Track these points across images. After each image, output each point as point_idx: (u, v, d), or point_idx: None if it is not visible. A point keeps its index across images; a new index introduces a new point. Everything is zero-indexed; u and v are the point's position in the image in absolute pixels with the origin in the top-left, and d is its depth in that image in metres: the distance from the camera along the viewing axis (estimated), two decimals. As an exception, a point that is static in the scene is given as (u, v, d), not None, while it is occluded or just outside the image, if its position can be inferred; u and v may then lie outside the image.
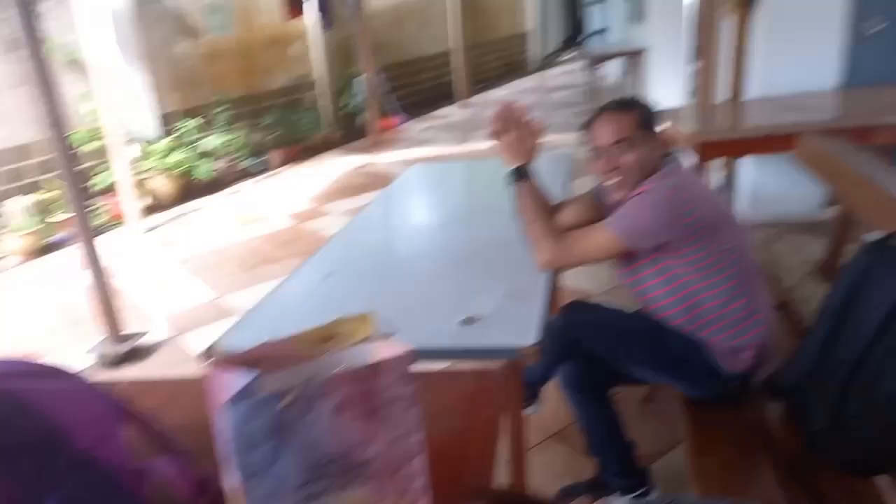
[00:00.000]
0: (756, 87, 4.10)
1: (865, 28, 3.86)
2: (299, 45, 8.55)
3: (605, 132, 1.72)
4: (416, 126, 9.60)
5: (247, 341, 1.52)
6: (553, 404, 2.34)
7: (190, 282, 4.52)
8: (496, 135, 1.85)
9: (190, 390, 1.12)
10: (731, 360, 1.73)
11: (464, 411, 1.10)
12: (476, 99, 11.29)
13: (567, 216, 1.97)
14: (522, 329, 1.41)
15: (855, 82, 3.95)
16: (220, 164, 7.24)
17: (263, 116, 7.96)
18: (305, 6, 7.85)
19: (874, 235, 2.29)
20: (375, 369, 0.78)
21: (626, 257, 1.76)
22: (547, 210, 1.88)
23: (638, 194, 1.68)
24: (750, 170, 4.28)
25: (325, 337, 0.90)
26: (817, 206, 4.22)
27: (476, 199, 2.69)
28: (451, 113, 10.39)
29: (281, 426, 0.74)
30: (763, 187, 4.27)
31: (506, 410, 1.11)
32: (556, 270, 1.85)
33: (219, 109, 7.26)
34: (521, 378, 1.52)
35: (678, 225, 1.62)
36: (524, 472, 1.64)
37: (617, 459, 1.96)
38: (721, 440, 1.69)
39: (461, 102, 10.71)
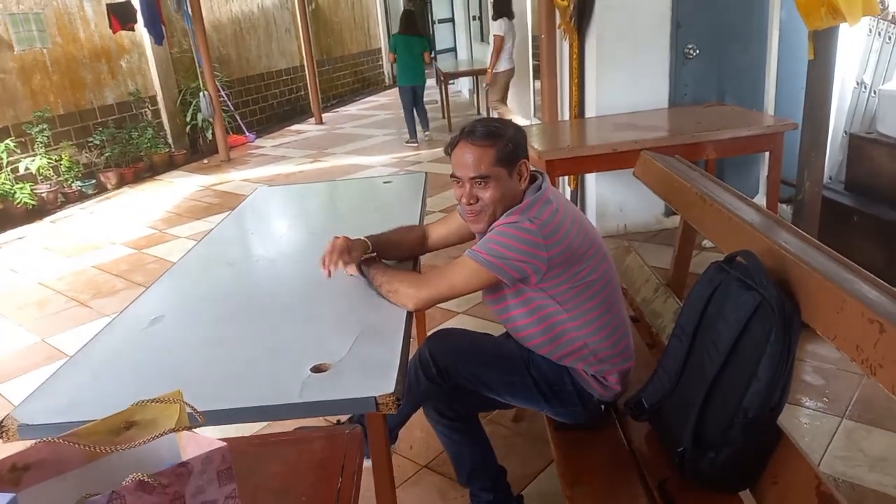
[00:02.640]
0: (593, 106, 4.29)
1: (687, 52, 4.18)
2: (133, 59, 7.91)
3: (464, 164, 1.62)
4: (268, 143, 9.24)
5: (49, 412, 1.29)
6: (426, 433, 2.25)
7: (8, 322, 3.96)
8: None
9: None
10: (598, 386, 1.71)
11: (311, 484, 0.96)
12: (330, 115, 11.10)
13: (438, 233, 1.99)
14: (381, 375, 1.28)
15: (678, 101, 4.26)
16: (45, 188, 6.51)
17: (95, 134, 7.26)
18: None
19: (711, 242, 2.39)
20: (184, 470, 0.63)
21: (493, 285, 1.70)
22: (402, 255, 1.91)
23: (502, 226, 1.59)
24: (593, 185, 4.47)
25: (123, 426, 0.73)
26: (659, 215, 4.49)
27: (327, 225, 2.53)
28: (305, 129, 10.12)
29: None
30: (607, 201, 4.47)
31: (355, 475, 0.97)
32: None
33: (39, 128, 6.52)
34: (384, 429, 1.39)
35: (542, 258, 1.56)
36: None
37: (489, 488, 1.90)
38: (592, 465, 1.66)
39: (315, 118, 10.46)
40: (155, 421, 0.70)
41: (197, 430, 0.86)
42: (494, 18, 7.05)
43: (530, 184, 1.68)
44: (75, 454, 0.68)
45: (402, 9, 7.97)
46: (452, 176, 1.67)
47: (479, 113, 9.66)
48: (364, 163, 7.36)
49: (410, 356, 1.64)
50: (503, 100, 7.42)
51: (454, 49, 13.33)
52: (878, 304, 1.18)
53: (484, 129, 1.63)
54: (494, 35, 7.01)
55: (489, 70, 7.25)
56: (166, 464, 0.65)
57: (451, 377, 1.74)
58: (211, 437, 0.66)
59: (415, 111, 7.92)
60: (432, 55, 8.32)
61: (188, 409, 0.76)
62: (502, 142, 1.61)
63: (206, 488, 0.63)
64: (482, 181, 1.61)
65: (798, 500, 1.27)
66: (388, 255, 1.87)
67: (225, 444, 0.65)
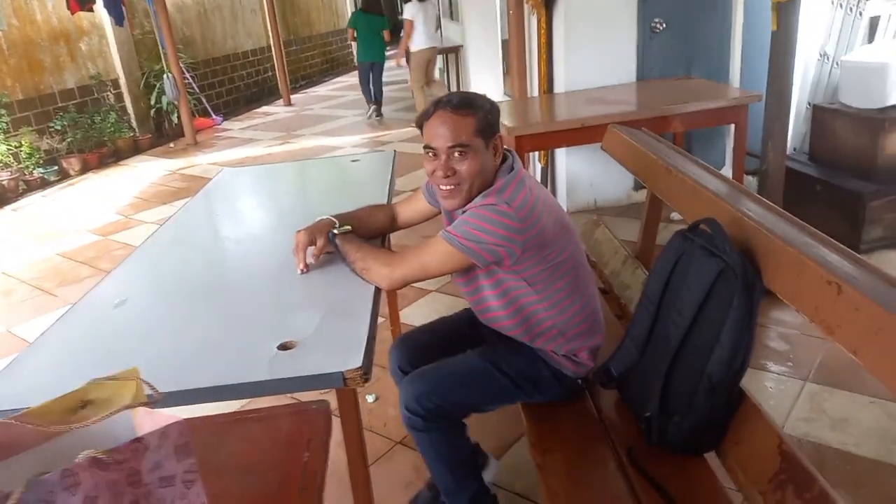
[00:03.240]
0: (562, 81, 4.29)
1: (654, 27, 4.19)
2: (94, 41, 7.70)
3: (441, 134, 1.55)
4: (236, 125, 9.09)
5: (8, 398, 1.26)
6: (397, 411, 2.26)
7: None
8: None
9: None
10: (571, 364, 1.72)
11: (278, 460, 0.95)
12: (299, 96, 10.95)
13: (406, 213, 1.96)
14: (348, 350, 1.27)
15: (646, 75, 4.28)
16: (6, 175, 6.33)
17: (55, 119, 7.07)
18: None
19: (679, 215, 2.42)
20: (139, 446, 0.62)
21: (466, 268, 1.66)
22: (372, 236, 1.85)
23: (477, 207, 1.55)
24: (563, 160, 4.48)
25: (78, 405, 0.71)
26: (629, 190, 4.53)
27: (294, 205, 2.50)
28: (273, 111, 9.98)
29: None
30: (577, 176, 4.49)
31: (323, 451, 0.97)
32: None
33: (-4, 114, 6.34)
34: (356, 405, 1.38)
35: (517, 242, 1.53)
36: (368, 490, 1.52)
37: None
38: (562, 434, 1.68)
39: (284, 100, 10.32)
40: (111, 399, 0.69)
41: (174, 410, 0.84)
42: (405, 1, 7.37)
43: (500, 164, 1.65)
44: (28, 434, 0.67)
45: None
46: (426, 147, 1.59)
47: (448, 91, 9.60)
48: (334, 144, 7.29)
49: (379, 333, 1.63)
50: (423, 81, 7.66)
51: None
52: (835, 266, 1.20)
53: (462, 98, 1.59)
54: (404, 19, 7.35)
55: (399, 54, 7.76)
56: (122, 441, 0.64)
57: (441, 415, 1.68)
58: (167, 412, 0.66)
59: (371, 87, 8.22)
60: (400, 34, 8.39)
61: (147, 389, 0.75)
62: (482, 112, 1.57)
63: (164, 463, 0.63)
64: (461, 151, 1.54)
65: (761, 459, 1.30)
66: (356, 234, 1.85)
67: (182, 418, 0.64)
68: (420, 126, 1.64)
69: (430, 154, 1.60)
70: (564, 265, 1.64)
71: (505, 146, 1.68)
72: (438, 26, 7.61)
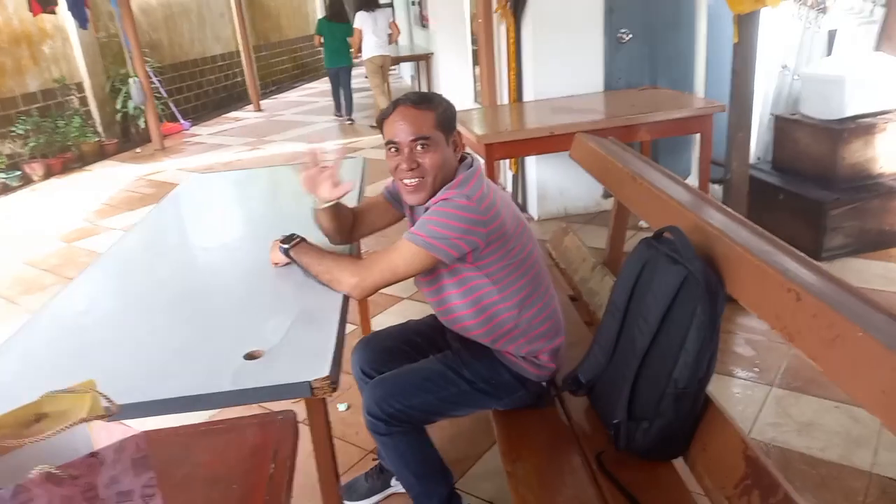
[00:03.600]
0: (531, 90, 4.33)
1: (620, 37, 4.25)
2: (57, 44, 7.54)
3: (403, 129, 1.58)
4: (205, 130, 8.98)
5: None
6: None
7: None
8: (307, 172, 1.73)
9: None
10: (531, 367, 1.73)
11: (243, 472, 0.94)
12: (269, 102, 10.86)
13: (364, 216, 1.92)
14: (315, 359, 1.26)
15: (613, 85, 4.34)
16: (-37, 182, 6.18)
17: (17, 123, 6.91)
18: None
19: (646, 223, 2.45)
20: (95, 461, 0.60)
21: (434, 266, 1.66)
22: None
23: (438, 205, 1.57)
24: (534, 168, 4.51)
25: (33, 418, 0.69)
26: (598, 198, 4.57)
27: (261, 212, 2.48)
28: (243, 116, 9.88)
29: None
30: (547, 184, 4.52)
31: (289, 462, 0.96)
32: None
33: (-46, 118, 6.17)
34: (325, 415, 1.37)
35: (480, 234, 1.55)
36: (338, 500, 1.51)
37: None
38: (532, 442, 1.68)
39: (253, 105, 10.23)
40: (66, 412, 0.67)
41: (141, 422, 0.82)
42: (355, 11, 7.54)
43: (460, 163, 1.68)
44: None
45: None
46: (389, 143, 1.61)
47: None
48: (304, 150, 7.24)
49: (350, 342, 1.62)
50: (382, 85, 7.76)
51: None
52: (795, 274, 1.23)
53: (420, 95, 1.63)
54: (354, 28, 7.55)
55: (354, 55, 8.05)
56: (80, 455, 0.62)
57: (403, 419, 1.69)
58: (126, 425, 0.64)
59: (341, 93, 8.45)
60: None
61: (104, 402, 0.73)
62: (441, 107, 1.61)
63: (121, 478, 0.61)
64: (424, 144, 1.57)
65: (727, 465, 1.32)
66: (344, 226, 1.82)
67: (140, 432, 0.62)
68: (381, 124, 1.66)
69: (393, 150, 1.62)
70: (525, 263, 1.66)
71: (466, 148, 1.71)
72: (391, 33, 7.63)
